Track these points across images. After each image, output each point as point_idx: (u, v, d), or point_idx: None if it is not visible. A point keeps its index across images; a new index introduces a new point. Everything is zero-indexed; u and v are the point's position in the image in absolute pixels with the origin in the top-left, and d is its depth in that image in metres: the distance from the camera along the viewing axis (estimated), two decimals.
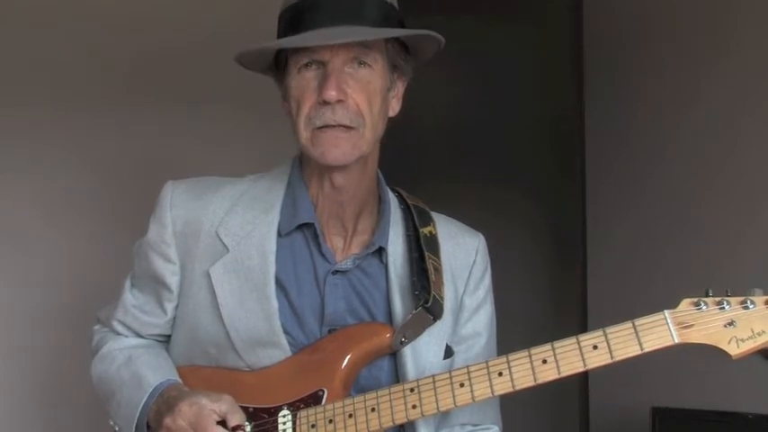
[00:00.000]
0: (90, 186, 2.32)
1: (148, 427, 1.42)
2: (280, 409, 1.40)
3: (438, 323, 1.44)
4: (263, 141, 2.35)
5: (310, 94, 1.37)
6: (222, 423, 1.34)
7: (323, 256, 1.45)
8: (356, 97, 1.37)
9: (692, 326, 1.28)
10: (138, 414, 1.41)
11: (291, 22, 1.39)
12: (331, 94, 1.35)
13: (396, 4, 1.44)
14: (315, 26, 1.36)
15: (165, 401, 1.39)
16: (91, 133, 2.32)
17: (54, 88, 2.29)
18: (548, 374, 1.30)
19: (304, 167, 1.48)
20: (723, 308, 1.27)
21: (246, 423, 1.37)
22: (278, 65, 1.44)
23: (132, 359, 1.49)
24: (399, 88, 1.48)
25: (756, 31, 2.78)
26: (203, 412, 1.32)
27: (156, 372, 1.46)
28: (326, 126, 1.37)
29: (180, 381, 1.46)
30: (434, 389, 1.34)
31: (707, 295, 1.29)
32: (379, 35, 1.37)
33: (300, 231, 1.46)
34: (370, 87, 1.39)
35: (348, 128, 1.37)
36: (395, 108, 1.47)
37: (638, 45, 3.19)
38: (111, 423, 1.49)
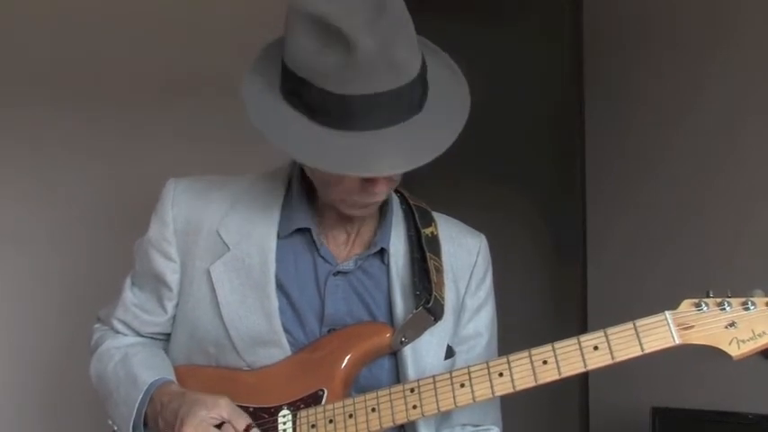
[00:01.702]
0: (91, 185, 2.32)
1: (145, 425, 1.42)
2: (280, 408, 1.40)
3: (439, 323, 1.44)
4: (264, 141, 2.34)
5: (353, 182, 1.31)
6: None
7: (323, 258, 1.45)
8: (395, 178, 1.36)
9: (692, 327, 1.28)
10: (134, 413, 1.41)
11: (332, 113, 1.25)
12: (382, 192, 1.34)
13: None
14: (366, 127, 1.24)
15: (163, 406, 1.39)
16: (91, 132, 2.32)
17: (54, 87, 2.28)
18: (548, 375, 1.30)
19: (306, 176, 1.47)
20: (724, 309, 1.27)
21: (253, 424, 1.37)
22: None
23: (128, 357, 1.50)
24: None
25: (756, 32, 2.78)
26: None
27: (150, 370, 1.46)
28: (366, 205, 1.38)
29: (173, 379, 1.46)
30: (435, 389, 1.34)
31: (708, 296, 1.29)
32: (440, 148, 1.28)
33: (300, 233, 1.46)
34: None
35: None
36: None
37: (638, 45, 3.20)
38: (110, 422, 1.49)
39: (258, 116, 1.32)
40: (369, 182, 1.31)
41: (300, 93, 1.28)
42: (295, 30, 1.27)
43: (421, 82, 1.29)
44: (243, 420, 1.35)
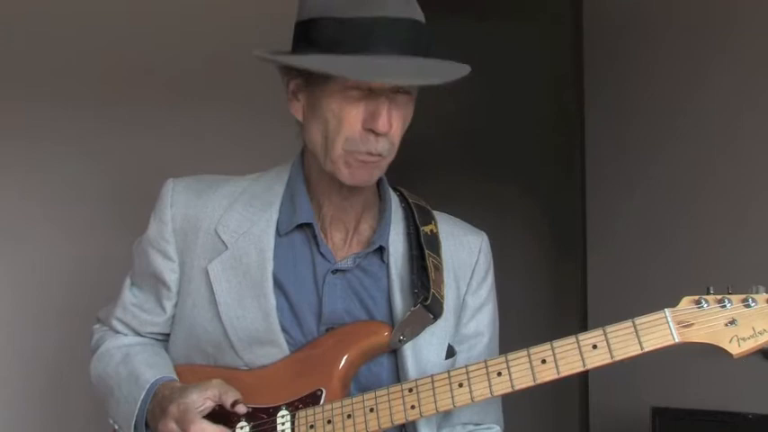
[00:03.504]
0: (91, 185, 2.31)
1: (147, 425, 1.42)
2: (278, 409, 1.39)
3: (440, 322, 1.43)
4: (264, 141, 2.34)
5: (355, 118, 1.34)
6: (216, 417, 1.35)
7: (322, 255, 1.44)
8: (396, 127, 1.36)
9: (692, 324, 1.26)
10: (136, 411, 1.41)
11: (342, 38, 1.31)
12: (384, 127, 1.33)
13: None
14: (376, 51, 1.30)
15: (159, 402, 1.40)
16: (92, 133, 2.32)
17: (55, 87, 2.28)
18: (547, 374, 1.29)
19: (307, 169, 1.48)
20: (724, 306, 1.26)
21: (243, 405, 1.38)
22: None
23: (130, 356, 1.50)
24: None
25: (755, 30, 2.79)
26: (189, 409, 1.33)
27: (152, 369, 1.45)
28: (367, 153, 1.36)
29: (175, 378, 1.46)
30: (433, 389, 1.33)
31: (708, 293, 1.27)
32: (454, 75, 1.33)
33: (300, 230, 1.45)
34: (407, 115, 1.39)
35: (382, 156, 1.38)
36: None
37: (638, 45, 3.20)
38: (111, 421, 1.49)
39: (270, 53, 1.39)
40: (371, 120, 1.33)
41: (314, 34, 1.34)
42: None
43: (426, 34, 1.35)
44: (231, 395, 1.36)
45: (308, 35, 1.35)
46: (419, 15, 1.35)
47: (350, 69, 1.29)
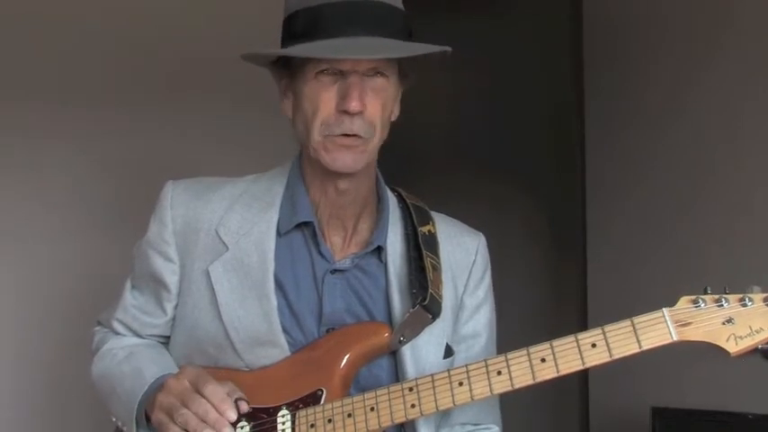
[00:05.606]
0: (92, 186, 2.31)
1: (148, 419, 1.42)
2: (279, 409, 1.40)
3: (438, 322, 1.44)
4: (264, 141, 2.35)
5: (328, 102, 1.37)
6: None
7: (321, 255, 1.45)
8: (372, 108, 1.38)
9: (690, 323, 1.27)
10: (137, 405, 1.41)
11: (312, 25, 1.36)
12: (355, 106, 1.35)
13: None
14: (341, 34, 1.34)
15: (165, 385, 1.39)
16: (92, 133, 2.32)
17: (55, 88, 2.28)
18: (546, 373, 1.30)
19: (304, 168, 1.48)
20: (721, 305, 1.27)
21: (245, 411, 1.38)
22: (284, 62, 1.43)
23: (134, 354, 1.50)
24: (400, 93, 1.48)
25: (755, 30, 2.79)
26: (205, 374, 1.35)
27: (157, 365, 1.46)
28: (343, 135, 1.38)
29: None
30: (433, 388, 1.34)
31: (705, 293, 1.29)
32: (411, 52, 1.37)
33: (299, 230, 1.46)
34: (385, 97, 1.40)
35: (361, 138, 1.38)
36: (396, 113, 1.48)
37: (638, 45, 3.20)
38: (114, 419, 1.49)
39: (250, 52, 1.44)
40: (343, 101, 1.36)
41: (292, 27, 1.40)
42: None
43: (400, 18, 1.39)
44: (240, 393, 1.36)
45: (289, 29, 1.41)
46: (394, 1, 1.39)
47: (308, 50, 1.34)
